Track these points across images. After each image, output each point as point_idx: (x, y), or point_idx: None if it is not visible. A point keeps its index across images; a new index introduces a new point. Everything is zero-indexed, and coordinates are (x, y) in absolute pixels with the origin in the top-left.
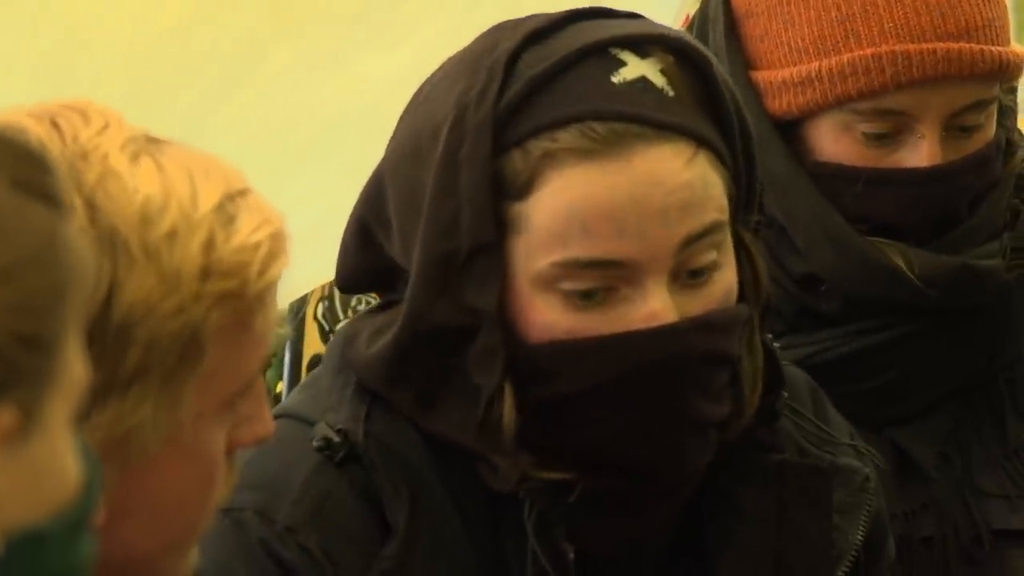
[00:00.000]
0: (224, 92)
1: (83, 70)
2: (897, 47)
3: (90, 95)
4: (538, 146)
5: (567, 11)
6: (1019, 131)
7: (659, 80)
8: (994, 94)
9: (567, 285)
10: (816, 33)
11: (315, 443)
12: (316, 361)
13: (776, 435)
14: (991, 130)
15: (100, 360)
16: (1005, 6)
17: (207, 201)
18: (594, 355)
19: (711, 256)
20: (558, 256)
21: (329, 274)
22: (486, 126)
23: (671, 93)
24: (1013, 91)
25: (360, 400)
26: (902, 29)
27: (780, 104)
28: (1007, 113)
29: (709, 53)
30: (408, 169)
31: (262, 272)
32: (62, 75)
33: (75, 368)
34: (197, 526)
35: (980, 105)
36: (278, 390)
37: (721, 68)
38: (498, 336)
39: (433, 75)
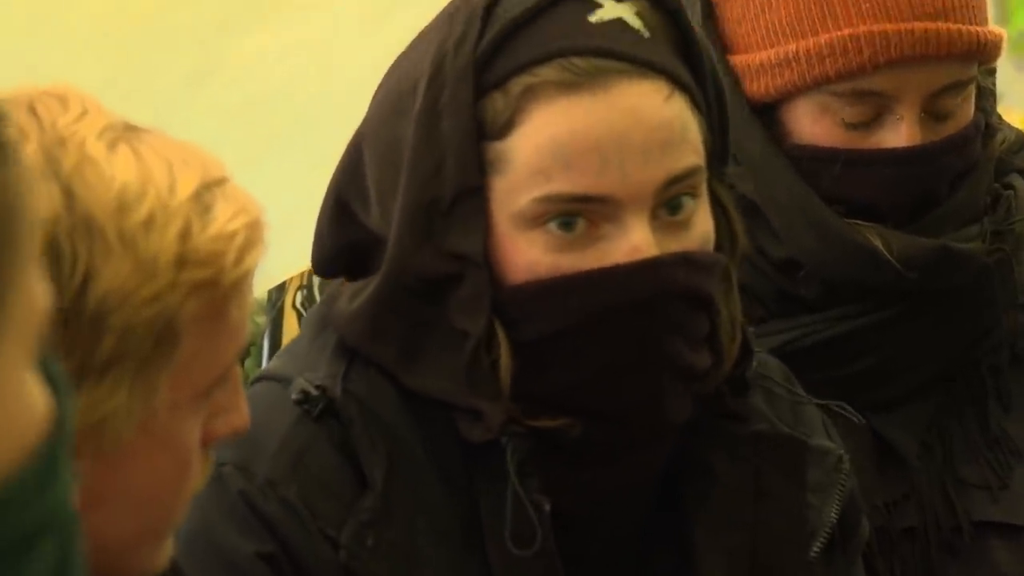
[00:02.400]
0: (199, 77)
1: (57, 55)
2: (875, 27)
3: (65, 78)
4: (518, 83)
5: None
6: (998, 114)
7: (635, 22)
8: (972, 75)
9: (550, 221)
10: (793, 15)
11: (293, 396)
12: None
13: (750, 411)
14: (970, 112)
15: (74, 346)
16: None
17: (184, 189)
18: (576, 291)
19: (690, 200)
20: (540, 191)
21: (307, 261)
22: (467, 71)
23: (647, 35)
24: (992, 72)
25: (339, 358)
26: (879, 9)
27: (758, 87)
28: (986, 95)
29: (679, 1)
30: (387, 129)
31: (238, 261)
32: (36, 60)
33: (32, 300)
34: (172, 516)
35: (958, 86)
36: None
37: (690, 16)
38: (483, 279)
39: (412, 41)
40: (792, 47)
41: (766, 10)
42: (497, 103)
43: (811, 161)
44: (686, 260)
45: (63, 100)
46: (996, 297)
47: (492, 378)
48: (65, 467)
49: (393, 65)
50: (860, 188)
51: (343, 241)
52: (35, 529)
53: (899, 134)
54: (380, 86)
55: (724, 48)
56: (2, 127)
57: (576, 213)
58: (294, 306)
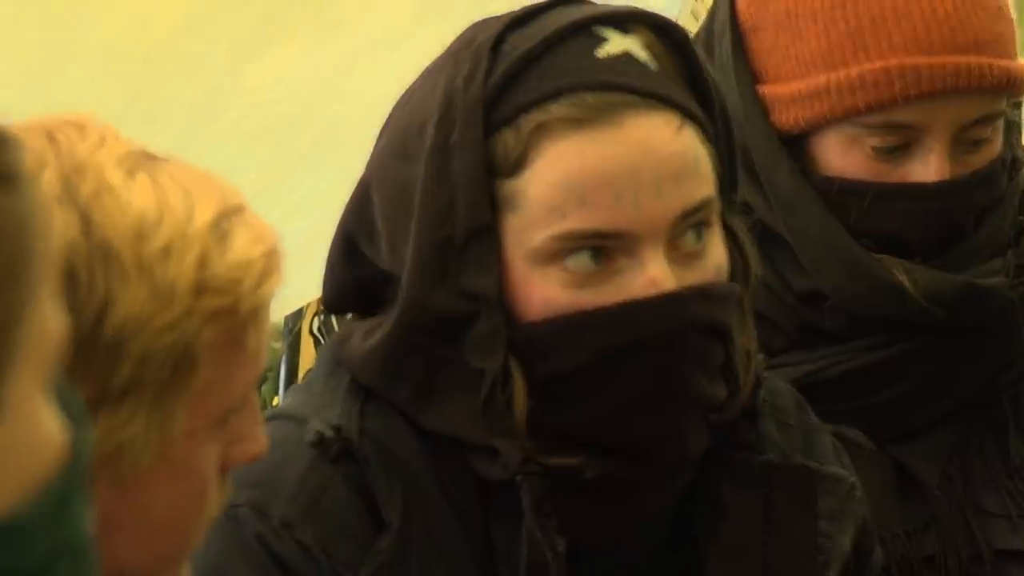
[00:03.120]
0: (217, 102)
1: (75, 81)
2: (907, 60)
3: (84, 101)
4: (529, 120)
5: (545, 0)
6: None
7: (642, 55)
8: (1001, 108)
9: (566, 259)
10: (824, 46)
11: (309, 438)
12: None
13: (760, 438)
14: (998, 144)
15: (91, 373)
16: (1012, 20)
17: (202, 217)
18: (595, 326)
19: (704, 231)
20: (556, 229)
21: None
22: (476, 108)
23: (654, 67)
24: (1018, 106)
25: (353, 398)
26: (911, 42)
27: (787, 118)
28: (1012, 128)
29: (686, 30)
30: (395, 168)
31: (255, 289)
32: (55, 86)
33: (46, 328)
34: (189, 542)
35: (988, 119)
36: (274, 404)
37: (699, 50)
38: (499, 318)
39: (414, 82)
40: (823, 78)
41: (797, 41)
42: (508, 140)
43: (840, 193)
44: (703, 293)
45: (81, 128)
46: (1019, 329)
47: (508, 417)
48: (81, 496)
49: (397, 105)
50: (888, 221)
51: (352, 277)
52: (51, 557)
53: (929, 166)
54: (385, 128)
55: (753, 78)
56: (12, 156)
57: (590, 249)
58: (311, 332)
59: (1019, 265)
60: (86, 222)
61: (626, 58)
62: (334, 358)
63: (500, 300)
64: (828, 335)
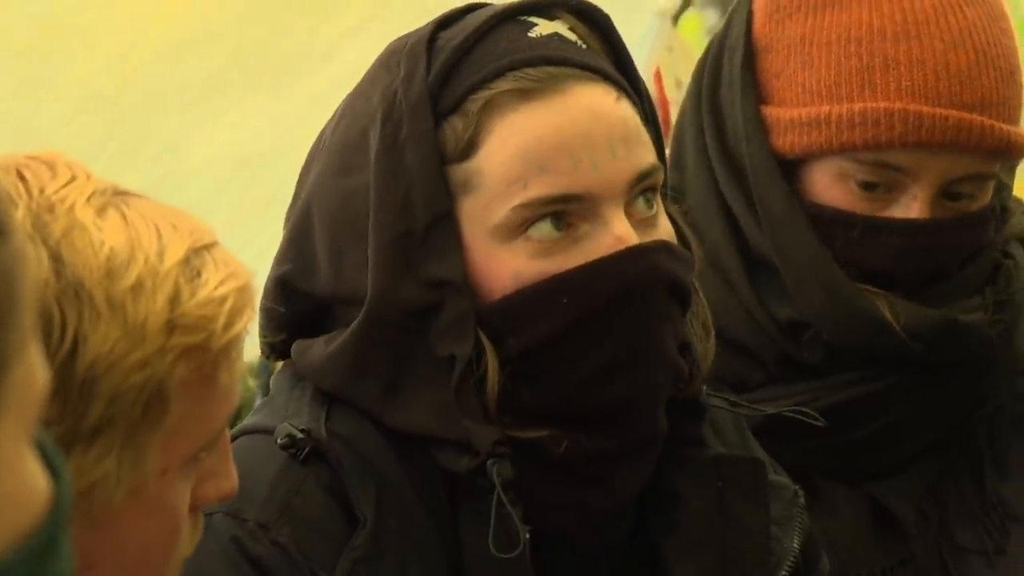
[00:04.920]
0: (190, 137)
1: (48, 117)
2: (911, 106)
3: (58, 138)
4: (476, 100)
5: (464, 5)
6: (1016, 198)
7: (571, 36)
8: (994, 171)
9: (531, 228)
10: (833, 78)
11: (279, 441)
12: None
13: (706, 436)
14: (986, 200)
15: (64, 412)
16: (1021, 85)
17: (173, 255)
18: (567, 289)
19: (653, 202)
20: (519, 199)
21: None
22: (422, 101)
23: (584, 46)
24: (1013, 169)
25: (319, 404)
26: (919, 90)
27: (783, 142)
28: (1004, 188)
29: (606, 14)
30: (336, 185)
31: (228, 326)
32: (28, 122)
33: (31, 378)
34: None
35: (978, 178)
36: None
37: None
38: (466, 301)
39: (336, 110)
40: (825, 109)
41: (807, 68)
42: (456, 126)
43: (829, 222)
44: (667, 247)
45: (52, 166)
46: (995, 366)
47: (479, 400)
48: (64, 543)
49: (324, 133)
50: (874, 254)
51: (289, 314)
52: None
53: (910, 211)
54: (315, 153)
55: (758, 98)
56: (1, 207)
57: (554, 215)
58: None
59: (997, 302)
60: (57, 261)
61: (557, 37)
62: (294, 374)
63: (465, 284)
64: (806, 369)
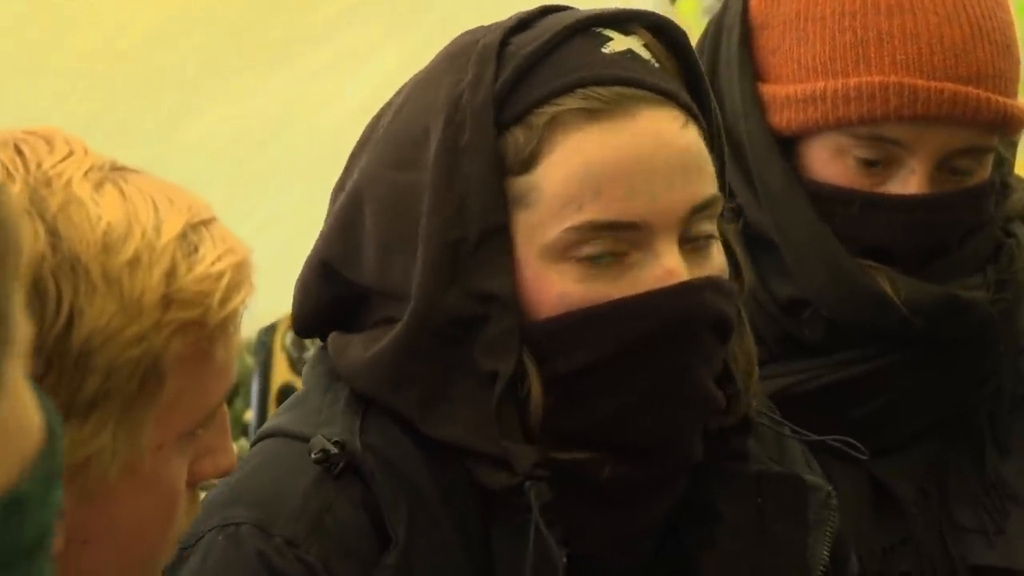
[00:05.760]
0: (187, 114)
1: (44, 94)
2: (906, 79)
3: (53, 116)
4: (542, 114)
5: (540, 6)
6: (1016, 175)
7: (644, 53)
8: (992, 144)
9: (582, 251)
10: (827, 53)
11: (314, 455)
12: (284, 390)
13: (749, 450)
14: (985, 174)
15: (59, 385)
16: (1019, 59)
17: (170, 230)
18: (612, 319)
19: (710, 231)
20: (572, 221)
21: None
22: (487, 109)
23: (657, 65)
24: (1013, 144)
25: (353, 412)
26: (914, 63)
27: (780, 119)
28: (1003, 163)
29: (684, 32)
30: (390, 178)
31: (224, 302)
32: (23, 99)
33: (22, 326)
34: (158, 557)
35: (975, 151)
36: (246, 419)
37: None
38: (512, 318)
39: (397, 94)
40: (821, 85)
41: (802, 43)
42: (519, 138)
43: (828, 199)
44: (715, 284)
45: (49, 141)
46: (997, 345)
47: (519, 419)
48: (58, 487)
49: (382, 119)
50: (874, 230)
51: (332, 296)
52: (42, 533)
53: (908, 186)
54: (366, 142)
55: (755, 75)
56: None
57: (607, 247)
58: (284, 347)
59: (999, 280)
60: (53, 235)
61: (630, 55)
62: (330, 372)
63: (513, 300)
64: (806, 347)
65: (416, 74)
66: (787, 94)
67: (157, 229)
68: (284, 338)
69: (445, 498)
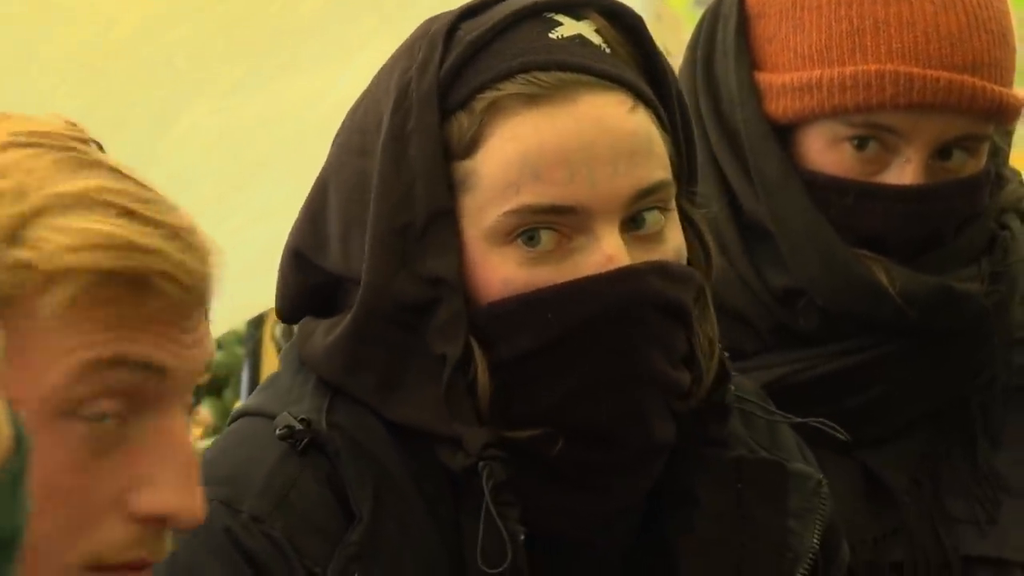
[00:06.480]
0: (179, 105)
1: (35, 84)
2: (901, 67)
3: (43, 108)
4: (483, 99)
5: None
6: (1010, 167)
7: (595, 38)
8: (987, 132)
9: (521, 235)
10: (823, 41)
11: (278, 432)
12: None
13: (730, 436)
14: (980, 164)
15: None
16: (1014, 48)
17: None
18: (551, 304)
19: (659, 217)
20: (510, 205)
21: None
22: (431, 94)
23: (608, 50)
24: (1008, 134)
25: (321, 393)
26: (909, 52)
27: (776, 107)
28: (998, 152)
29: (639, 16)
30: (353, 164)
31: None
32: (13, 89)
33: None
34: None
35: (971, 139)
36: None
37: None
38: (459, 301)
39: (370, 83)
40: (817, 73)
41: (798, 32)
42: (463, 122)
43: (824, 189)
44: (661, 269)
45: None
46: (991, 337)
47: (470, 402)
48: (25, 489)
49: (354, 106)
50: (869, 220)
51: (307, 285)
52: (4, 540)
53: (904, 174)
54: (342, 127)
55: (751, 64)
56: None
57: (546, 226)
58: (273, 338)
59: (993, 273)
60: None
61: (579, 40)
62: (297, 357)
63: (460, 283)
64: (801, 338)
65: (385, 62)
66: (783, 82)
67: None
68: (273, 329)
69: (414, 478)
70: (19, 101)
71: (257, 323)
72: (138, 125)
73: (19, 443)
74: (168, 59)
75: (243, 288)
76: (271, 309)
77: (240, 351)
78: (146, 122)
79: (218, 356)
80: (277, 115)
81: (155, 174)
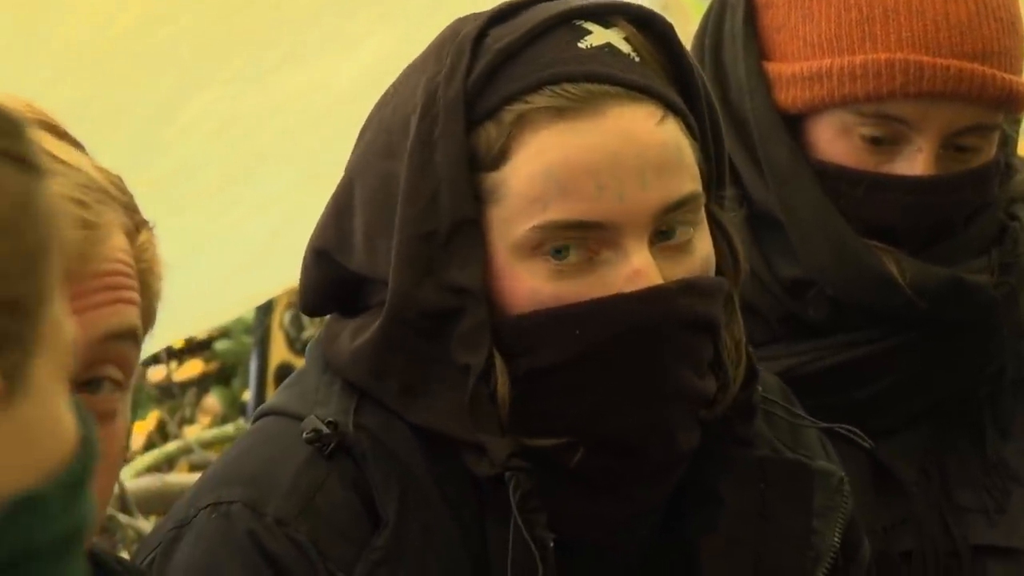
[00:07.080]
0: (182, 96)
1: (40, 74)
2: (911, 56)
3: (47, 99)
4: (511, 111)
5: None
6: (1019, 157)
7: (624, 47)
8: (997, 121)
9: (549, 249)
10: (833, 31)
11: (305, 435)
12: (282, 369)
13: (754, 435)
14: (991, 153)
15: None
16: (1022, 37)
17: None
18: (579, 320)
19: (688, 228)
20: (538, 220)
21: (291, 279)
22: (458, 102)
23: (636, 59)
24: (1017, 122)
25: (348, 395)
26: (919, 40)
27: (786, 97)
28: (1008, 141)
29: (669, 22)
30: (379, 166)
31: None
32: (18, 78)
33: (62, 328)
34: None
35: (981, 129)
36: (244, 398)
37: (682, 43)
38: (483, 312)
39: (396, 80)
40: (827, 62)
41: (807, 21)
42: (490, 133)
43: (834, 178)
44: (689, 287)
45: None
46: (1000, 329)
47: (493, 412)
48: (87, 494)
49: (379, 104)
50: (879, 210)
51: (326, 282)
52: (65, 537)
53: (914, 164)
54: (366, 128)
55: (760, 53)
56: (31, 145)
57: (573, 241)
58: (281, 326)
59: (1003, 264)
60: None
61: (608, 49)
62: (323, 356)
63: (485, 293)
64: (810, 328)
65: (413, 60)
66: (793, 72)
67: None
68: (282, 317)
69: (438, 483)
70: (22, 92)
71: (265, 311)
72: (141, 116)
73: (84, 446)
74: (171, 50)
75: (247, 277)
76: (279, 297)
77: (248, 340)
78: (149, 113)
79: (226, 344)
80: (279, 105)
81: (158, 164)
